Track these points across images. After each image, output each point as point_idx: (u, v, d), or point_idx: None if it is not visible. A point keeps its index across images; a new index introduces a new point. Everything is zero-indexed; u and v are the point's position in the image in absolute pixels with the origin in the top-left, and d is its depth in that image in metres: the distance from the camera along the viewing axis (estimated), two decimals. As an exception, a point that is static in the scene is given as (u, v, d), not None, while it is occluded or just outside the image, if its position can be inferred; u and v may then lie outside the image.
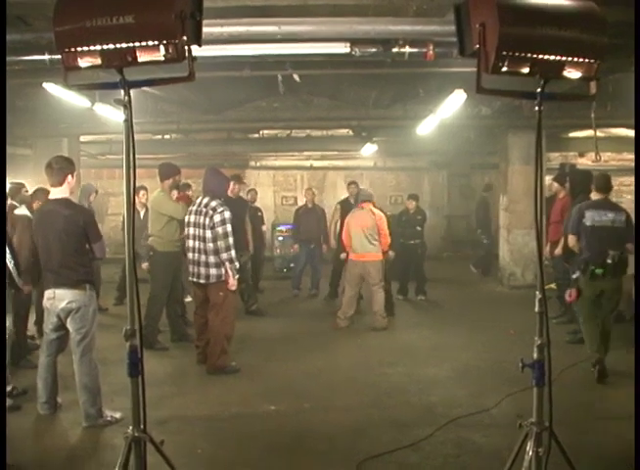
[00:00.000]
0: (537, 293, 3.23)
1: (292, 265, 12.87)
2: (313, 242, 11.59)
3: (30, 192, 7.77)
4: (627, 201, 14.25)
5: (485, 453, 4.65)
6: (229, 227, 6.57)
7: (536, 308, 3.24)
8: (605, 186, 6.67)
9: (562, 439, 3.30)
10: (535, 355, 3.24)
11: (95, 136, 13.50)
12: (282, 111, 12.14)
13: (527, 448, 3.26)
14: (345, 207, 10.92)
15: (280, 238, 14.80)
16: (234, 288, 6.72)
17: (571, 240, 6.74)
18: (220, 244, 6.52)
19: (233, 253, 6.56)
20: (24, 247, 6.31)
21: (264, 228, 12.51)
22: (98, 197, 10.49)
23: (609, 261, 6.28)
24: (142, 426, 3.17)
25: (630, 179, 14.91)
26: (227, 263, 6.54)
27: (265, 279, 12.35)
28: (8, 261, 5.66)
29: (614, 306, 6.64)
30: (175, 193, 8.10)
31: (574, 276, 6.66)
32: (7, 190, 7.21)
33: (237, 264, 6.67)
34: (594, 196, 6.75)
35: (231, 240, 6.55)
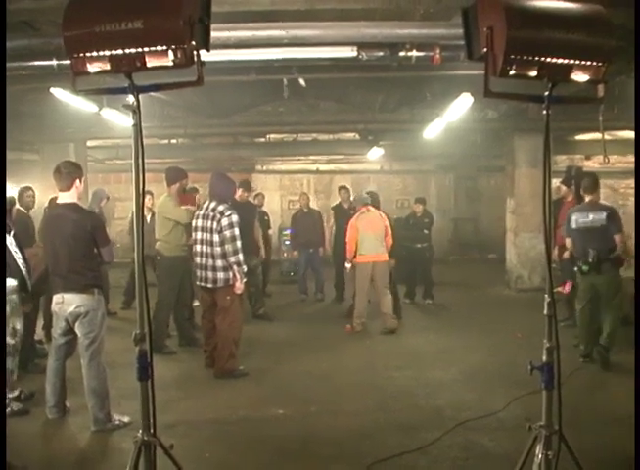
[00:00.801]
0: (546, 296, 3.23)
1: (298, 269, 12.87)
2: (311, 246, 11.56)
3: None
4: (633, 204, 14.17)
5: (494, 457, 4.64)
6: (237, 231, 6.57)
7: (545, 311, 3.23)
8: (591, 186, 6.98)
9: (571, 442, 3.29)
10: (544, 358, 3.23)
11: (102, 141, 13.55)
12: (288, 115, 12.17)
13: (537, 452, 3.25)
14: (338, 211, 10.92)
15: (287, 242, 14.77)
16: (240, 291, 6.71)
17: (568, 243, 7.26)
18: (228, 247, 6.52)
19: (240, 256, 6.56)
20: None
21: (271, 232, 12.55)
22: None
23: (590, 259, 6.69)
24: (152, 430, 3.17)
25: (638, 182, 14.82)
26: (235, 267, 6.54)
27: (272, 283, 12.35)
28: (21, 266, 5.65)
29: (609, 303, 6.81)
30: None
31: (575, 269, 7.06)
32: (14, 194, 7.25)
33: (244, 268, 6.66)
34: (585, 197, 7.06)
35: (239, 243, 6.55)
